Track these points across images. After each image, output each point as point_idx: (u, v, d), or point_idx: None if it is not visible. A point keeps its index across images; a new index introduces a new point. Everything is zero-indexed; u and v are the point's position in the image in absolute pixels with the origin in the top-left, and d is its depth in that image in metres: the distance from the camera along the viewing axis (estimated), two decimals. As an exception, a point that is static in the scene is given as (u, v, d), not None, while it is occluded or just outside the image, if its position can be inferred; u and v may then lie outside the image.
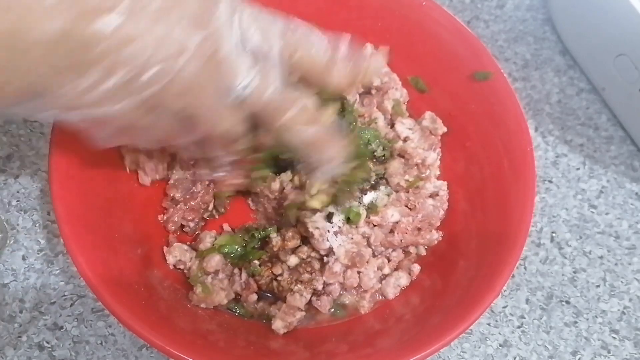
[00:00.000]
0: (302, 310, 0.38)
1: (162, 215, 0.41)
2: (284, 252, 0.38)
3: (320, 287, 0.38)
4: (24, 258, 0.41)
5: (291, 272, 0.38)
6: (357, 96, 0.45)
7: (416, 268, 0.41)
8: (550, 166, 0.49)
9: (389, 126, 0.44)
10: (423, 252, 0.42)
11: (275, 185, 0.40)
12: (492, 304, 0.36)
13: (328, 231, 0.37)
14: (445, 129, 0.44)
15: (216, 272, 0.39)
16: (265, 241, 0.40)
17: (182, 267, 0.40)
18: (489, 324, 0.43)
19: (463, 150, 0.43)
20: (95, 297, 0.35)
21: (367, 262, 0.39)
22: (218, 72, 0.29)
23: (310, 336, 0.38)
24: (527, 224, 0.37)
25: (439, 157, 0.44)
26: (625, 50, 0.46)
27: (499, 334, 0.43)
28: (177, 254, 0.39)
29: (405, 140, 0.43)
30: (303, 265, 0.38)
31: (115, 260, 0.36)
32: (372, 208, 0.39)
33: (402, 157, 0.43)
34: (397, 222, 0.40)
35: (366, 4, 0.44)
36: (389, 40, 0.45)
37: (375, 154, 0.41)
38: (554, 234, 0.46)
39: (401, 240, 0.40)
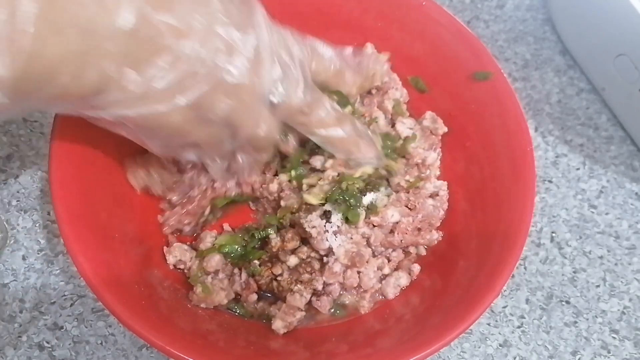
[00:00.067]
0: (302, 310, 0.38)
1: (161, 215, 0.41)
2: (283, 253, 0.38)
3: (320, 287, 0.38)
4: (24, 258, 0.41)
5: (291, 272, 0.38)
6: (358, 96, 0.45)
7: (416, 268, 0.41)
8: (550, 166, 0.49)
9: (390, 126, 0.44)
10: (423, 252, 0.42)
11: (274, 186, 0.40)
12: (492, 304, 0.36)
13: (327, 231, 0.37)
14: (445, 129, 0.44)
15: (216, 272, 0.39)
16: (265, 241, 0.40)
17: (182, 267, 0.40)
18: (489, 324, 0.43)
19: (463, 150, 0.43)
20: (95, 297, 0.35)
21: (367, 262, 0.39)
22: (258, 74, 0.29)
23: (310, 336, 0.38)
24: (527, 224, 0.37)
25: (439, 157, 0.44)
26: (625, 50, 0.46)
27: (499, 334, 0.43)
28: (177, 253, 0.39)
29: (406, 140, 0.43)
30: (303, 265, 0.38)
31: (115, 260, 0.36)
32: (372, 209, 0.39)
33: (403, 157, 0.43)
34: (397, 223, 0.40)
35: (366, 4, 0.44)
36: (389, 40, 0.45)
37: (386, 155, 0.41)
38: (554, 234, 0.46)
39: (401, 240, 0.40)
